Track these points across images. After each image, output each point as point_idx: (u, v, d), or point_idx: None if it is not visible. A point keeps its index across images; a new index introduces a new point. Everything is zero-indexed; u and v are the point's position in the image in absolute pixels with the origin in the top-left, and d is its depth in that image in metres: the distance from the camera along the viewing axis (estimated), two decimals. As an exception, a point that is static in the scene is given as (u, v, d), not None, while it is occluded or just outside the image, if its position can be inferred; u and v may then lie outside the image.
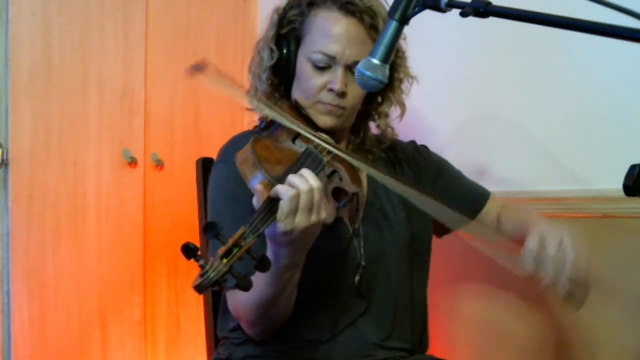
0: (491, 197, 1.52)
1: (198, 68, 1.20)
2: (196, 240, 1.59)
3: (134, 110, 2.07)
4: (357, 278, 1.33)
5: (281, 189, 1.04)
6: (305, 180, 1.07)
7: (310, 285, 1.24)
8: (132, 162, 2.04)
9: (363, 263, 1.34)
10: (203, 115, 2.23)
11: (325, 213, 1.10)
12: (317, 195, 1.07)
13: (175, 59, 2.17)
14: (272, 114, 1.24)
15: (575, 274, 1.19)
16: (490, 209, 1.49)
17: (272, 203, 1.03)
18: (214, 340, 1.48)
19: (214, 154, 1.43)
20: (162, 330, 2.12)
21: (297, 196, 1.04)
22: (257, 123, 1.44)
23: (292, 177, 1.06)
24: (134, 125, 2.07)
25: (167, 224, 2.11)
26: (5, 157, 1.82)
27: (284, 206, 1.03)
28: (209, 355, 1.53)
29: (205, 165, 1.57)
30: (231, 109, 2.25)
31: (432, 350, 1.50)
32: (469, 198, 1.50)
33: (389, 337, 1.36)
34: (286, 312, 1.23)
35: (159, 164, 2.11)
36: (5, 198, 1.84)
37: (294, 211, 1.04)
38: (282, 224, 1.04)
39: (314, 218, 1.07)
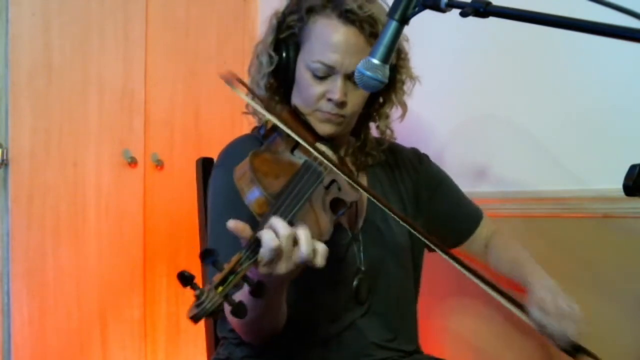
0: (484, 219, 1.53)
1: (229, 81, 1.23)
2: (196, 240, 1.59)
3: (134, 110, 2.07)
4: (355, 283, 1.32)
5: (265, 237, 0.96)
6: (290, 232, 0.99)
7: (309, 290, 1.24)
8: (132, 162, 2.04)
9: (362, 268, 1.33)
10: (203, 115, 2.23)
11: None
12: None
13: (175, 59, 2.17)
14: (278, 123, 1.23)
15: (573, 335, 1.26)
16: (481, 233, 1.52)
17: (258, 242, 0.98)
18: (214, 340, 1.48)
19: (214, 154, 1.43)
20: (162, 330, 2.12)
21: (279, 248, 0.97)
22: (257, 124, 1.43)
23: (276, 224, 0.98)
24: (134, 125, 2.07)
25: (167, 224, 2.11)
26: (5, 157, 1.82)
27: (263, 254, 0.96)
28: (209, 355, 1.53)
29: (205, 165, 1.57)
30: (231, 110, 2.25)
31: (429, 351, 1.50)
32: (462, 219, 1.51)
33: (390, 340, 1.36)
34: (276, 326, 1.21)
35: (159, 164, 2.11)
36: (5, 198, 1.84)
37: (274, 260, 0.98)
38: (261, 268, 0.99)
39: (294, 264, 1.00)
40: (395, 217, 1.24)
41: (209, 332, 1.53)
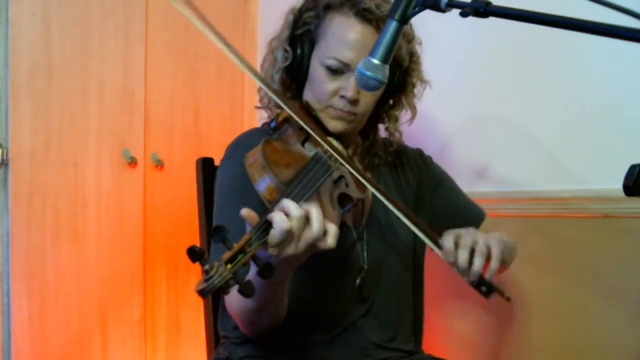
0: (486, 221, 1.52)
1: None
2: (196, 241, 1.59)
3: (134, 110, 2.07)
4: (358, 281, 1.33)
5: (276, 218, 0.97)
6: (302, 212, 0.99)
7: (311, 287, 1.24)
8: (132, 162, 2.04)
9: (365, 267, 1.34)
10: (203, 115, 2.23)
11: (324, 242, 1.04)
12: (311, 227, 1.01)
13: (175, 59, 2.17)
14: (288, 110, 1.23)
15: (479, 270, 1.18)
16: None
17: (268, 223, 0.98)
18: (214, 340, 1.48)
19: (214, 154, 1.43)
20: (162, 330, 2.12)
21: (290, 229, 0.98)
22: (266, 120, 1.43)
23: (288, 205, 0.99)
24: (134, 125, 2.07)
25: (167, 224, 2.11)
26: (5, 157, 1.82)
27: (273, 235, 0.97)
28: (209, 355, 1.53)
29: (205, 165, 1.57)
30: (231, 109, 2.25)
31: (430, 351, 1.50)
32: (463, 218, 1.49)
33: (390, 340, 1.36)
34: (275, 320, 1.21)
35: (159, 164, 2.11)
36: (5, 198, 1.84)
37: (284, 242, 0.99)
38: (271, 249, 0.99)
39: (302, 247, 1.01)
40: (399, 213, 1.23)
41: (209, 331, 1.53)
